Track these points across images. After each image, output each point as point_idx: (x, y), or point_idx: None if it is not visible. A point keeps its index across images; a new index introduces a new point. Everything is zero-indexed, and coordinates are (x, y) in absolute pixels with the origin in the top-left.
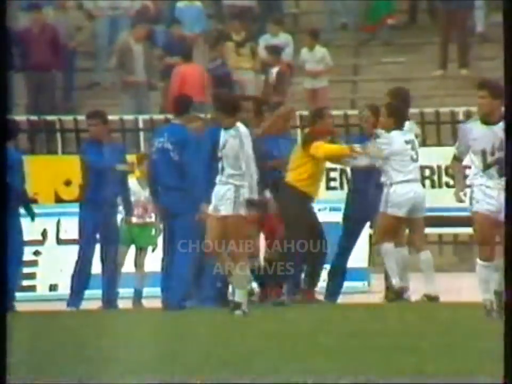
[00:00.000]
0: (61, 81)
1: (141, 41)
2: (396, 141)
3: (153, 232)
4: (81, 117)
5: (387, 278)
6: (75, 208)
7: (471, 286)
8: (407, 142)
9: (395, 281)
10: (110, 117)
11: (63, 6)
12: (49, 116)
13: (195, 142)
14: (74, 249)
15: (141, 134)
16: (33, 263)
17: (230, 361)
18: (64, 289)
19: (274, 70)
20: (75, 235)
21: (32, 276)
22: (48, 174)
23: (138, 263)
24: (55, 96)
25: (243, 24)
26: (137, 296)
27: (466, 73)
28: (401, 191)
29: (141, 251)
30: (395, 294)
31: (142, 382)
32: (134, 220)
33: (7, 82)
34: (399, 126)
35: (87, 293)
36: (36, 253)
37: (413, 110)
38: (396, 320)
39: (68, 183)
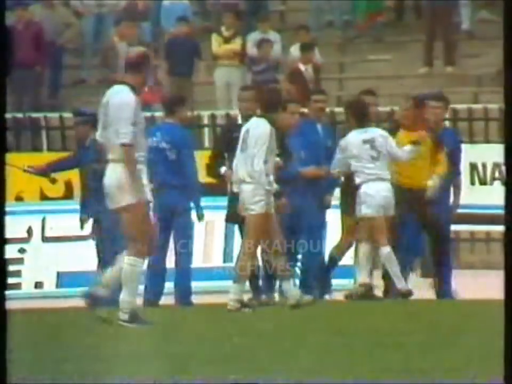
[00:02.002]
0: (47, 78)
1: (125, 39)
2: (352, 142)
3: None
4: (67, 115)
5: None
6: (60, 205)
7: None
8: (364, 142)
9: (362, 278)
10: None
11: (50, 3)
12: (35, 113)
13: (191, 140)
14: (60, 246)
15: None
16: (19, 261)
17: (215, 359)
18: (50, 286)
19: (308, 67)
20: (61, 232)
21: (17, 274)
22: None
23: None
24: (40, 94)
25: (234, 20)
26: None
27: (452, 71)
28: (371, 192)
29: None
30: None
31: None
32: None
33: (5, 82)
34: (358, 125)
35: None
36: (21, 251)
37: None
38: (383, 317)
39: (53, 180)
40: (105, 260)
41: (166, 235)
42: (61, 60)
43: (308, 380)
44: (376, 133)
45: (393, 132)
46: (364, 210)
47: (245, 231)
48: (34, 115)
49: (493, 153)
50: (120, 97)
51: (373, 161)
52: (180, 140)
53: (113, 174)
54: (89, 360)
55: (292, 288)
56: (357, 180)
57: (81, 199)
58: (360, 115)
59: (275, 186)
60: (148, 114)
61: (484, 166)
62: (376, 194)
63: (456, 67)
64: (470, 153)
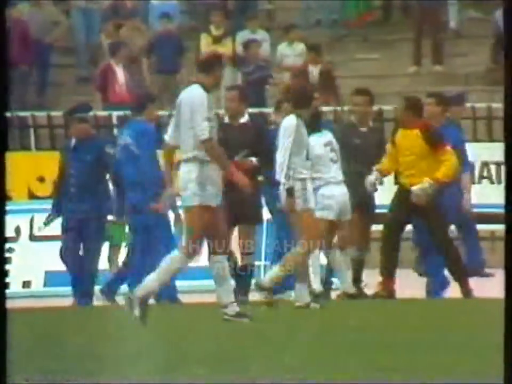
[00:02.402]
0: (34, 77)
1: (111, 37)
2: (314, 145)
3: (127, 229)
4: (54, 113)
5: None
6: (49, 204)
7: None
8: (325, 145)
9: (316, 286)
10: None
11: (38, 2)
12: (22, 112)
13: (155, 137)
14: (48, 245)
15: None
16: (6, 260)
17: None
18: (37, 286)
19: (316, 69)
20: (48, 232)
21: (4, 273)
22: (22, 170)
23: (112, 260)
24: (27, 92)
25: (223, 18)
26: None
27: (440, 70)
28: (328, 193)
29: (114, 248)
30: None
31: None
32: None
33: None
34: (314, 130)
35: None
36: (9, 250)
37: (387, 107)
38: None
39: (41, 179)
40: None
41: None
42: (49, 59)
43: (298, 378)
44: (331, 136)
45: (394, 130)
46: (318, 212)
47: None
48: (22, 114)
49: (481, 152)
50: (193, 96)
51: (332, 164)
52: (143, 137)
53: (185, 174)
54: (79, 359)
55: (305, 291)
56: (317, 183)
57: (55, 196)
58: (315, 122)
59: (290, 182)
60: (121, 113)
61: (472, 165)
62: (333, 196)
63: (444, 66)
64: None
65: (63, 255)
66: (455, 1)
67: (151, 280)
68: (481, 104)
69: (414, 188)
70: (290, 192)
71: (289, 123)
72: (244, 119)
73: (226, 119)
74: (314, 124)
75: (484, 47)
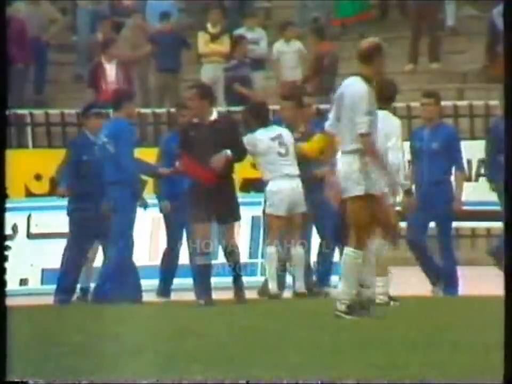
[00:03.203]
0: (31, 74)
1: (108, 36)
2: (260, 139)
3: None
4: (52, 111)
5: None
6: (46, 202)
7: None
8: (273, 139)
9: (271, 286)
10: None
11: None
12: (20, 110)
13: (131, 135)
14: (45, 243)
15: None
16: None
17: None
18: (35, 283)
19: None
20: (46, 229)
21: (4, 271)
22: (19, 168)
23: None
24: (24, 90)
25: (220, 16)
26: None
27: (437, 67)
28: (274, 189)
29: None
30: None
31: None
32: None
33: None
34: (261, 125)
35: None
36: (6, 248)
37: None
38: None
39: (38, 177)
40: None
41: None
42: (46, 56)
43: (294, 376)
44: (282, 130)
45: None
46: (268, 208)
47: None
48: (19, 111)
49: (478, 149)
50: (354, 88)
51: (282, 157)
52: (119, 134)
53: (345, 165)
54: (76, 356)
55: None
56: (264, 177)
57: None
58: (262, 117)
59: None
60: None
61: (469, 162)
62: (279, 192)
63: (441, 63)
64: None
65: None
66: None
67: (344, 288)
68: (479, 102)
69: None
70: (409, 192)
71: (391, 123)
72: (213, 116)
73: (195, 119)
74: (261, 118)
75: (481, 44)
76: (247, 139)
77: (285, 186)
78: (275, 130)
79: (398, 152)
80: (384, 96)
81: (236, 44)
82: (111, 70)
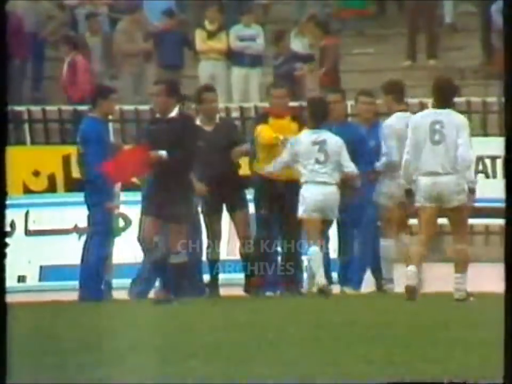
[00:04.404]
0: (29, 71)
1: (98, 33)
2: (301, 141)
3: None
4: (49, 107)
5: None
6: (43, 199)
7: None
8: (314, 143)
9: (320, 281)
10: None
11: None
12: (17, 106)
13: (100, 134)
14: (43, 240)
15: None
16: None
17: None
18: (33, 280)
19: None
20: (43, 226)
21: (3, 268)
22: (17, 165)
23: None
24: (22, 86)
25: (217, 13)
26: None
27: (435, 64)
28: (306, 194)
29: None
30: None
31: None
32: None
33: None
34: (318, 120)
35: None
36: (5, 245)
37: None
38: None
39: (36, 173)
40: None
41: None
42: (44, 53)
43: (292, 373)
44: (329, 136)
45: None
46: (301, 212)
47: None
48: (17, 108)
49: (476, 146)
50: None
51: (318, 165)
52: (88, 133)
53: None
54: (75, 353)
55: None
56: (300, 180)
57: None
58: (318, 114)
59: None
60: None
61: None
62: (310, 197)
63: (438, 60)
64: None
65: None
66: None
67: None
68: (476, 99)
69: None
70: (472, 190)
71: (462, 121)
72: (173, 113)
73: (158, 114)
74: (315, 119)
75: (479, 41)
76: (293, 139)
77: (317, 192)
78: (321, 134)
79: (468, 148)
80: (448, 96)
81: (278, 39)
82: (83, 66)
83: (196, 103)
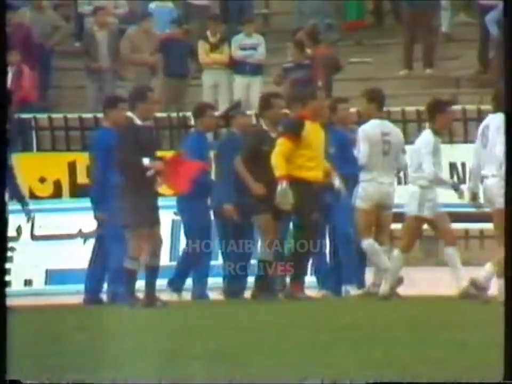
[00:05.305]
0: (36, 80)
1: (104, 27)
2: (370, 130)
3: None
4: (55, 115)
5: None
6: (49, 204)
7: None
8: (383, 134)
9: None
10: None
11: (40, 6)
12: (24, 114)
13: (102, 142)
14: (49, 244)
15: None
16: (8, 259)
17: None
18: (39, 284)
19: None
20: (49, 231)
21: (7, 272)
22: (23, 171)
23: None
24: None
25: (219, 25)
26: None
27: (431, 73)
28: (365, 183)
29: None
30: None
31: (140, 378)
32: None
33: (6, 83)
34: (376, 110)
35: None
36: (11, 249)
37: None
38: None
39: (42, 180)
40: None
41: None
42: (50, 62)
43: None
44: (393, 129)
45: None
46: (357, 200)
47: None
48: (24, 116)
49: (471, 153)
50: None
51: (382, 156)
52: (95, 142)
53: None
54: (80, 356)
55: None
56: (360, 166)
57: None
58: (380, 104)
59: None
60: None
61: (463, 165)
62: (369, 186)
63: (435, 69)
64: (449, 153)
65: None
66: (447, 5)
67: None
68: (472, 106)
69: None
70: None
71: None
72: (149, 121)
73: (138, 121)
74: (378, 109)
75: (475, 50)
76: (360, 135)
77: (376, 181)
78: (388, 126)
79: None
80: (501, 99)
81: (297, 46)
82: (28, 72)
83: (262, 109)
